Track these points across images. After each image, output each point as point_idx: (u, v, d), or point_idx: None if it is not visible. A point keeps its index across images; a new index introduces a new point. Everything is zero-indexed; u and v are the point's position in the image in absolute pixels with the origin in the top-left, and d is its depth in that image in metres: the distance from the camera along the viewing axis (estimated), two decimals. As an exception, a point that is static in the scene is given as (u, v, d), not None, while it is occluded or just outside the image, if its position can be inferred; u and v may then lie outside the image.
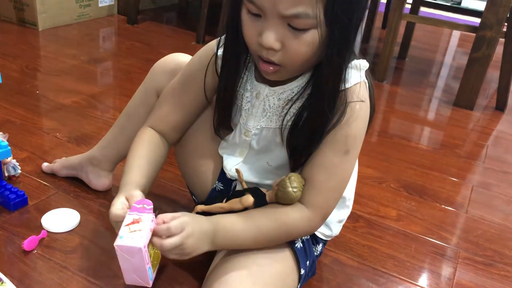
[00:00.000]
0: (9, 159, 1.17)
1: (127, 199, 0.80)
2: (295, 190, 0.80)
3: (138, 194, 0.80)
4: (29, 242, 0.98)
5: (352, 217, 1.04)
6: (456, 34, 3.44)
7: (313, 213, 0.82)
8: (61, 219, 1.07)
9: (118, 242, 0.73)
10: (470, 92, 2.04)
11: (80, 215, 1.09)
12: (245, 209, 0.84)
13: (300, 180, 0.81)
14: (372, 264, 1.08)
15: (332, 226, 0.96)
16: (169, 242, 0.74)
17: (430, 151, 1.67)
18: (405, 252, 1.13)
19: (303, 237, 0.90)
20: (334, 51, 0.72)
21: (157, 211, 0.79)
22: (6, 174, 1.18)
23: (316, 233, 0.93)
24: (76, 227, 1.07)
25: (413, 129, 1.86)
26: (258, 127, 0.87)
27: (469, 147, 1.74)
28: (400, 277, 1.05)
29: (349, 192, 0.96)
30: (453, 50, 3.15)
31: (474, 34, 1.99)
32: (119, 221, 0.75)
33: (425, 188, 1.41)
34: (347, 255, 1.09)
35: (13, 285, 0.88)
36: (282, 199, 0.82)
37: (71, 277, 0.93)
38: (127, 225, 0.74)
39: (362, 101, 0.78)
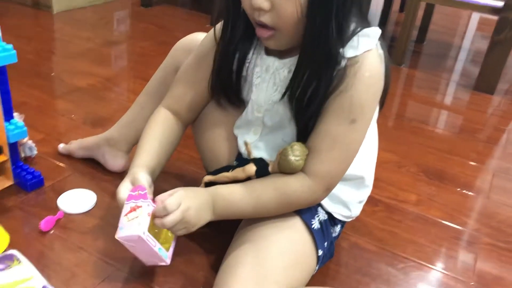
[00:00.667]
0: (25, 140, 1.17)
1: (132, 184, 0.82)
2: (297, 158, 0.78)
3: (142, 178, 0.82)
4: (45, 223, 0.98)
5: (371, 201, 1.02)
6: (475, 17, 3.36)
7: (315, 182, 0.80)
8: (77, 200, 1.07)
9: (118, 234, 0.76)
10: (491, 76, 1.99)
11: (96, 196, 1.09)
12: (248, 178, 0.84)
13: (303, 150, 0.79)
14: (392, 248, 1.06)
15: (352, 206, 0.93)
16: (169, 219, 0.76)
17: (450, 135, 1.64)
18: (425, 237, 1.11)
19: (321, 218, 0.88)
20: (316, 9, 0.71)
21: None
22: (23, 155, 1.17)
23: (334, 214, 0.91)
24: (92, 208, 1.06)
25: (431, 113, 1.82)
26: (270, 102, 0.85)
27: (489, 131, 1.70)
28: (420, 262, 1.03)
29: (368, 171, 0.94)
30: (471, 34, 3.08)
31: (493, 18, 1.93)
32: None
33: (445, 173, 1.38)
34: (366, 239, 1.07)
35: (30, 263, 0.88)
36: (284, 168, 0.80)
37: (87, 258, 0.93)
38: (125, 215, 0.76)
39: (356, 61, 0.76)
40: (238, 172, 0.85)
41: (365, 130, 0.82)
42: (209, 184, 0.89)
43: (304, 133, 0.83)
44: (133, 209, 0.76)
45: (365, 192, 0.96)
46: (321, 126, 0.80)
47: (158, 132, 0.93)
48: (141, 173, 0.84)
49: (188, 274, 0.92)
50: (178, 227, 0.78)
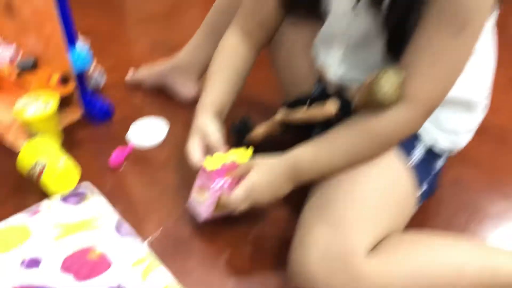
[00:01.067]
0: (93, 68, 1.12)
1: (203, 140, 0.78)
2: (389, 94, 0.64)
3: (213, 133, 0.77)
4: (116, 156, 0.94)
5: (479, 128, 0.87)
6: None
7: (413, 110, 0.67)
8: (148, 132, 1.02)
9: (189, 203, 0.80)
10: None
11: (168, 126, 1.03)
12: (328, 119, 0.73)
13: (396, 79, 0.65)
14: (503, 182, 0.92)
15: (458, 135, 0.79)
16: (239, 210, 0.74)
17: None
18: (544, 169, 0.95)
19: (421, 150, 0.76)
20: None
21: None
22: (91, 84, 1.12)
23: (437, 144, 0.78)
24: (164, 140, 1.00)
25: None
26: (352, 11, 0.72)
27: None
28: (538, 198, 0.88)
29: (480, 92, 0.79)
30: None
31: None
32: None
33: None
34: (473, 172, 0.94)
35: (103, 199, 0.84)
36: (374, 106, 0.67)
37: (161, 193, 0.88)
38: (196, 188, 0.78)
39: None
40: (315, 112, 0.74)
41: (475, 41, 0.66)
42: (282, 123, 0.81)
43: (394, 49, 0.70)
44: (201, 188, 0.77)
45: (475, 119, 0.81)
46: (418, 38, 0.65)
47: (227, 63, 0.85)
48: (210, 126, 0.78)
49: (269, 211, 0.84)
50: (244, 206, 0.74)
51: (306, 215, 0.70)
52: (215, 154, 0.76)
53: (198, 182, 0.78)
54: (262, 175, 0.73)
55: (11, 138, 0.98)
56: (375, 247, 0.65)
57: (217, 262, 0.76)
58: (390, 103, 0.66)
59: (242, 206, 0.73)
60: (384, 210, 0.69)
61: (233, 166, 0.76)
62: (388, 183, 0.71)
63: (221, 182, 0.75)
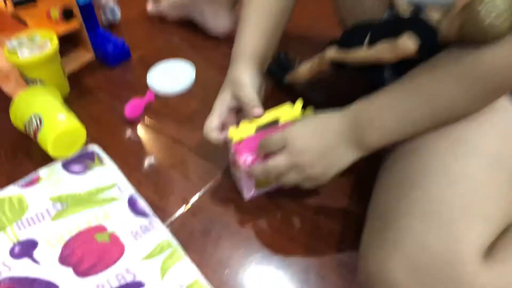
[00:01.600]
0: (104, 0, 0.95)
1: (236, 98, 0.62)
2: (497, 21, 0.43)
3: (248, 95, 0.60)
4: (132, 108, 0.79)
5: None
6: None
7: None
8: (171, 76, 0.88)
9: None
10: None
11: (196, 70, 0.88)
12: (404, 59, 0.53)
13: None
14: None
15: None
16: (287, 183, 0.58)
17: None
18: None
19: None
20: None
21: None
22: (103, 20, 0.99)
23: None
24: (191, 86, 0.85)
25: None
26: None
27: None
28: None
29: None
30: None
31: None
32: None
33: None
34: None
35: (114, 164, 0.68)
36: (474, 38, 0.45)
37: (187, 156, 0.71)
38: (231, 162, 0.66)
39: None
40: (383, 51, 0.53)
41: None
42: (335, 62, 0.61)
43: None
44: (234, 164, 0.64)
45: None
46: None
47: None
48: (244, 79, 0.62)
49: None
50: (290, 179, 0.56)
51: (384, 197, 0.51)
52: (244, 121, 0.61)
53: (231, 153, 0.63)
54: (306, 126, 0.55)
55: (9, 87, 0.82)
56: (491, 247, 0.45)
57: (259, 247, 0.59)
58: (501, 32, 0.44)
59: (288, 177, 0.55)
60: (503, 189, 0.48)
61: (275, 129, 0.59)
62: (505, 148, 0.50)
63: (250, 156, 0.59)
